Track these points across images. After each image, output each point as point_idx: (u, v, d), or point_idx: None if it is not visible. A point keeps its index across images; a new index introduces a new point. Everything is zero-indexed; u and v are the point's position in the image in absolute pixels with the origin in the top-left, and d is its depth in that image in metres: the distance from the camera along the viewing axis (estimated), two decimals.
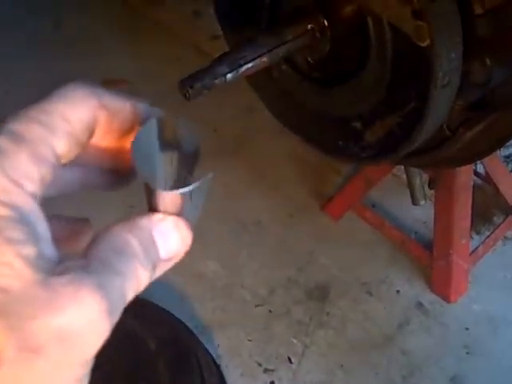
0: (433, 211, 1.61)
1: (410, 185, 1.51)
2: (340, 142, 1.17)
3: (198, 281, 1.71)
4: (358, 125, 1.14)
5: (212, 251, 1.76)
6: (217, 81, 0.95)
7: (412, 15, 0.87)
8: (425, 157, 1.11)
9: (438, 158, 1.12)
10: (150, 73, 2.18)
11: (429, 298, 1.65)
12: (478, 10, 0.90)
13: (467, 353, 1.55)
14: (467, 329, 1.59)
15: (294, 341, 1.59)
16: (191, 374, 1.38)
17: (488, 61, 0.95)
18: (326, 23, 1.01)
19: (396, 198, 1.80)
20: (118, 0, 2.51)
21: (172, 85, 0.93)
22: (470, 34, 0.90)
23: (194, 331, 1.58)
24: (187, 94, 0.93)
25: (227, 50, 1.00)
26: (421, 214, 1.77)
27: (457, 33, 0.89)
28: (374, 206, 1.82)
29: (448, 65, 0.90)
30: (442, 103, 0.95)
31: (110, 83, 2.01)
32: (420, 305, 1.64)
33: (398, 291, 1.67)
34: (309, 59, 1.11)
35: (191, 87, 0.93)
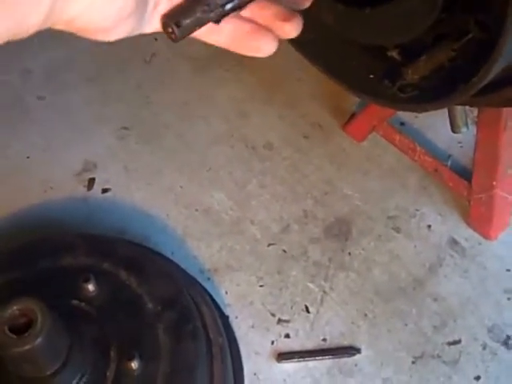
0: (471, 128, 1.37)
1: (450, 109, 1.26)
2: (372, 76, 0.92)
3: (202, 215, 1.51)
4: (395, 55, 0.89)
5: (217, 180, 1.56)
6: (213, 14, 0.70)
7: None
8: (482, 99, 0.87)
9: (502, 98, 0.87)
10: None
11: (464, 234, 1.45)
12: None
13: (508, 298, 1.37)
14: (508, 270, 1.40)
15: (312, 286, 1.41)
16: (195, 339, 1.21)
17: None
18: None
19: (429, 114, 1.56)
20: None
21: None
22: None
23: (199, 277, 1.41)
24: (173, 35, 0.68)
25: None
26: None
27: None
28: (402, 124, 1.58)
29: None
30: None
31: None
32: (455, 242, 1.44)
33: (429, 226, 1.46)
34: None
35: (177, 25, 0.67)
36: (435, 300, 1.37)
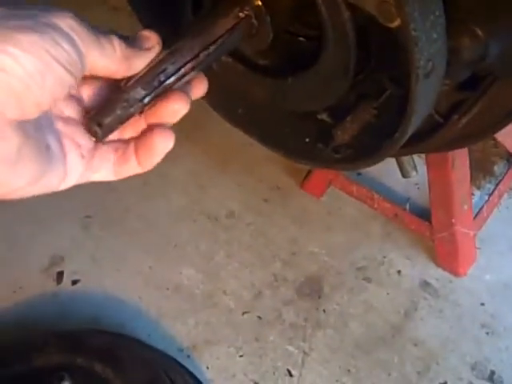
0: (425, 169, 1.39)
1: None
2: (307, 140, 0.94)
3: (174, 293, 1.51)
4: (325, 117, 0.91)
5: (184, 256, 1.56)
6: (132, 109, 0.72)
7: None
8: (413, 148, 0.89)
9: (430, 146, 0.90)
10: None
11: (435, 274, 1.45)
12: None
13: (487, 333, 1.37)
14: (483, 304, 1.41)
15: (291, 349, 1.40)
16: None
17: (480, 32, 0.72)
18: (262, 5, 0.77)
19: (382, 162, 1.58)
20: None
21: None
22: (452, 2, 0.67)
23: (178, 356, 1.39)
24: (97, 135, 0.69)
25: None
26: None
27: (434, 5, 0.65)
28: (359, 174, 1.60)
29: (429, 48, 0.67)
30: (427, 94, 0.72)
31: None
32: (426, 284, 1.44)
33: (399, 272, 1.47)
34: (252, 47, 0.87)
35: (99, 125, 0.69)
36: (415, 345, 1.37)
